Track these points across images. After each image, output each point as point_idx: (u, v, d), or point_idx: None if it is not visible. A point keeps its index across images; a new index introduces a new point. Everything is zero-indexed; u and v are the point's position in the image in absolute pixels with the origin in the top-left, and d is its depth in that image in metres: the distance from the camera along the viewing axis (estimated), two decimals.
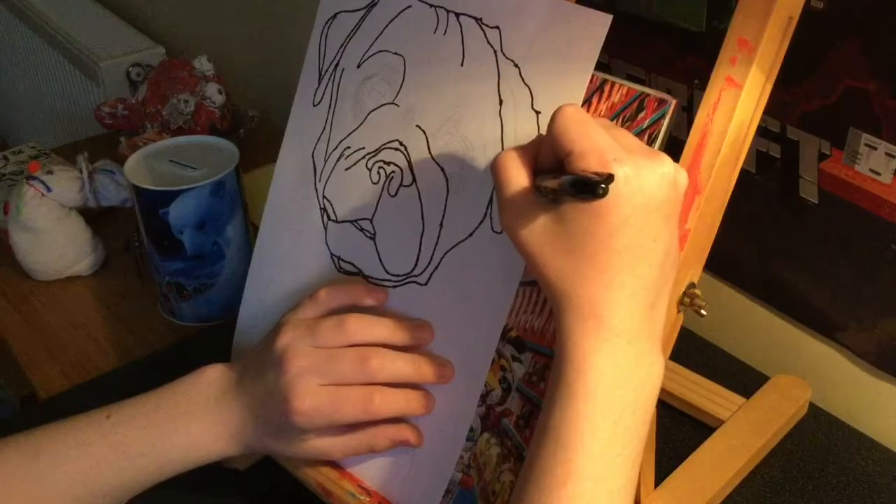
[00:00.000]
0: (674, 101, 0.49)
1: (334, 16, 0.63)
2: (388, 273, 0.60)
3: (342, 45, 0.63)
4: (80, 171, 0.96)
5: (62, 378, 0.84)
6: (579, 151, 0.43)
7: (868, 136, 0.64)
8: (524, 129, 0.53)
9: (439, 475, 0.57)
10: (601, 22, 0.50)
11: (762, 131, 0.71)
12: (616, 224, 0.43)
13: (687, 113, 0.75)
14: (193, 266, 0.85)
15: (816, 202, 0.70)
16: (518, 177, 0.46)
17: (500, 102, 0.54)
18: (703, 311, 0.51)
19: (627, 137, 0.46)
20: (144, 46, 1.60)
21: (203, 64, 1.16)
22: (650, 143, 0.49)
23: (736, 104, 0.47)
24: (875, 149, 0.64)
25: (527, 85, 0.53)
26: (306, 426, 0.55)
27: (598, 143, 0.43)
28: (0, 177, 1.16)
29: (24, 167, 1.15)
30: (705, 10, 0.70)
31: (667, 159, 0.45)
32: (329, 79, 0.64)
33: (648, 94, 0.50)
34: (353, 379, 0.55)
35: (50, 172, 0.94)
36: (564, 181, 0.42)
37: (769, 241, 0.76)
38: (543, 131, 0.50)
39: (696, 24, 0.71)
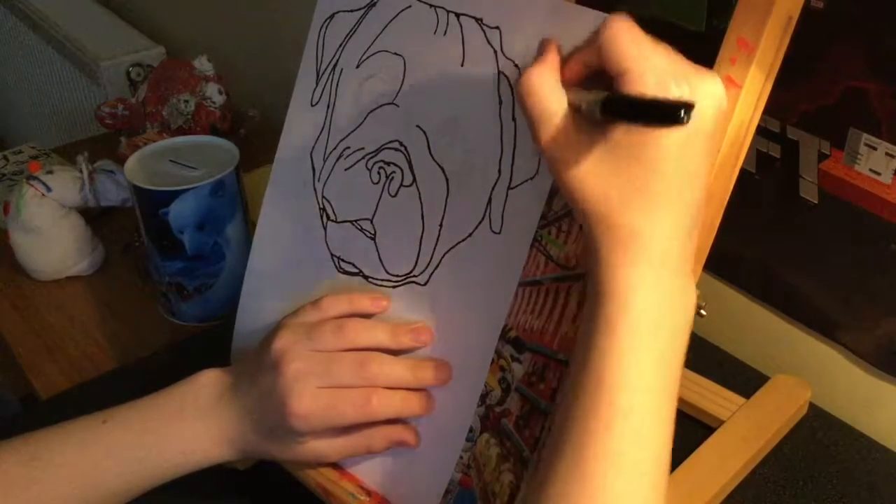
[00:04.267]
0: None
1: (332, 15, 0.63)
2: (388, 273, 0.60)
3: (341, 45, 0.63)
4: (80, 171, 0.96)
5: (62, 378, 0.84)
6: (637, 71, 0.40)
7: (868, 136, 0.64)
8: (524, 129, 0.53)
9: (439, 475, 0.57)
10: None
11: (762, 131, 0.71)
12: (669, 148, 0.41)
13: None
14: (193, 266, 0.85)
15: (816, 202, 0.70)
16: (553, 95, 0.44)
17: (500, 103, 0.54)
18: (703, 311, 0.50)
19: (673, 54, 0.43)
20: (144, 46, 1.60)
21: (203, 64, 1.16)
22: None
23: (736, 104, 0.47)
24: (875, 149, 0.64)
25: None
26: (304, 429, 0.55)
27: (656, 63, 0.41)
28: (0, 177, 1.16)
29: (24, 167, 1.16)
30: (705, 10, 0.70)
31: (717, 77, 0.43)
32: (327, 79, 0.63)
33: None
34: (352, 383, 0.55)
35: (50, 172, 0.94)
36: (636, 105, 0.39)
37: (769, 241, 0.76)
38: None
39: (696, 24, 0.71)
